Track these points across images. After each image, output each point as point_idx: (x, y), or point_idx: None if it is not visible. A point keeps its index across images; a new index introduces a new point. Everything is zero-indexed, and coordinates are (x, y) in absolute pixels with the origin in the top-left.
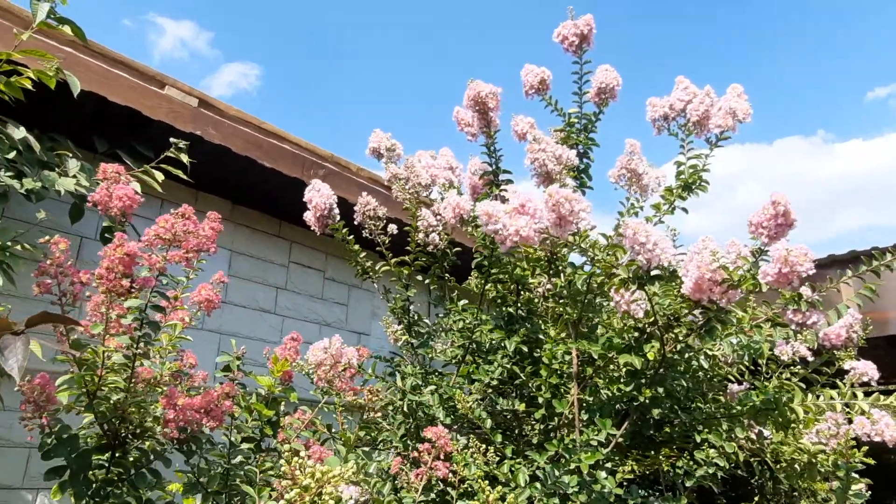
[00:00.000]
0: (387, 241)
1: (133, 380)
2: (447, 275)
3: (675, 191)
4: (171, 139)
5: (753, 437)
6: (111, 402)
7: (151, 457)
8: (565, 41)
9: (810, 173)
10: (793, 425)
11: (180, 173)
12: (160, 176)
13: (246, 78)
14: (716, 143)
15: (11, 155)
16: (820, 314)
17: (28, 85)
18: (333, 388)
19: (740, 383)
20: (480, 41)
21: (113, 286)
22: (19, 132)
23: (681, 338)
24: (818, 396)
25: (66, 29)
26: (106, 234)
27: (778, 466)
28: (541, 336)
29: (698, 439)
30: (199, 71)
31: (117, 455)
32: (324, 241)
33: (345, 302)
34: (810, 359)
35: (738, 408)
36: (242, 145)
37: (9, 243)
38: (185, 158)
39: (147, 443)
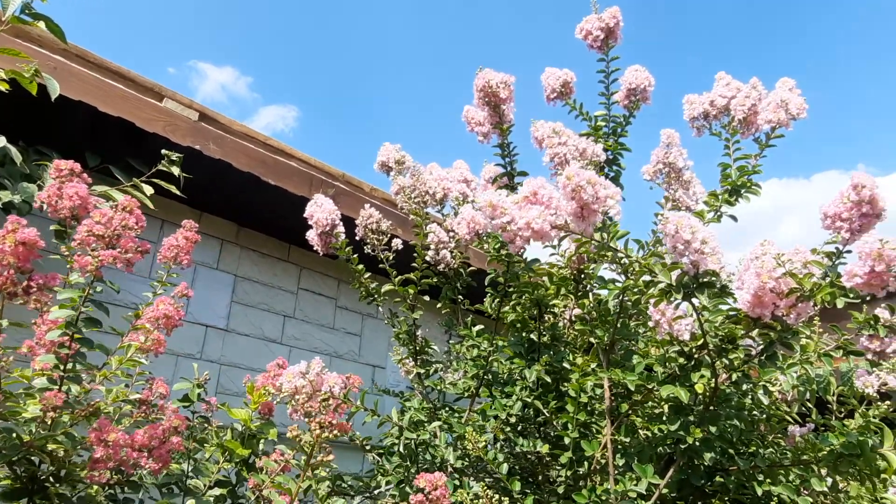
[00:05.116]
0: (391, 258)
1: (51, 408)
2: (461, 297)
3: (720, 196)
4: (164, 151)
5: (826, 489)
6: (13, 435)
7: None
8: (589, 36)
9: None
10: (884, 476)
11: (173, 188)
12: (149, 190)
13: (283, 120)
14: (766, 143)
15: None
16: None
17: (2, 88)
18: (314, 421)
19: (802, 424)
20: (516, 63)
21: (2, 284)
22: None
23: (737, 364)
24: None
25: (41, 25)
26: (54, 240)
27: None
28: (566, 365)
29: (759, 492)
30: (238, 114)
31: (37, 503)
32: (337, 266)
33: (358, 332)
34: None
35: (811, 453)
36: (246, 161)
37: None
38: (176, 171)
39: (80, 487)
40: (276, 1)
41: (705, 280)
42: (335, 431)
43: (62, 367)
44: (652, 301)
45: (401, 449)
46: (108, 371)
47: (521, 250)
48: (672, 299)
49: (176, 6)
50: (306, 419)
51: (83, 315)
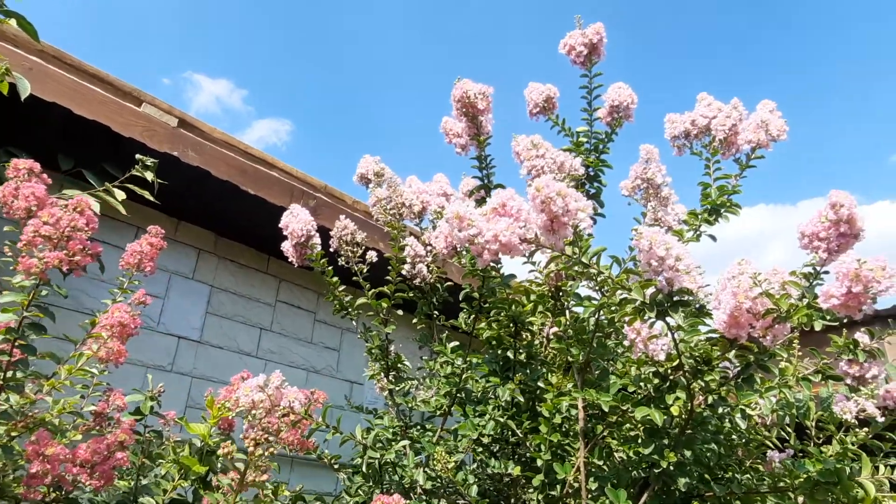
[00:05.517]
0: (364, 270)
1: None
2: (436, 312)
3: (700, 215)
4: (138, 156)
5: None
6: None
7: None
8: (572, 52)
9: None
10: None
11: (147, 194)
12: (121, 195)
13: (276, 133)
14: (747, 164)
15: None
16: (881, 366)
17: None
18: (248, 438)
19: (781, 450)
20: (515, 82)
21: None
22: None
23: (713, 387)
24: (894, 469)
25: (12, 22)
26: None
27: None
28: (541, 384)
29: None
30: (231, 126)
31: None
32: (316, 279)
33: (336, 347)
34: (880, 419)
35: (788, 480)
36: (225, 169)
37: None
38: (150, 176)
39: None
40: (272, 15)
41: (679, 298)
42: (272, 449)
43: (2, 376)
44: (626, 319)
45: (364, 468)
46: (56, 381)
47: (495, 263)
48: (646, 318)
49: (173, 17)
50: (262, 433)
51: (27, 321)
